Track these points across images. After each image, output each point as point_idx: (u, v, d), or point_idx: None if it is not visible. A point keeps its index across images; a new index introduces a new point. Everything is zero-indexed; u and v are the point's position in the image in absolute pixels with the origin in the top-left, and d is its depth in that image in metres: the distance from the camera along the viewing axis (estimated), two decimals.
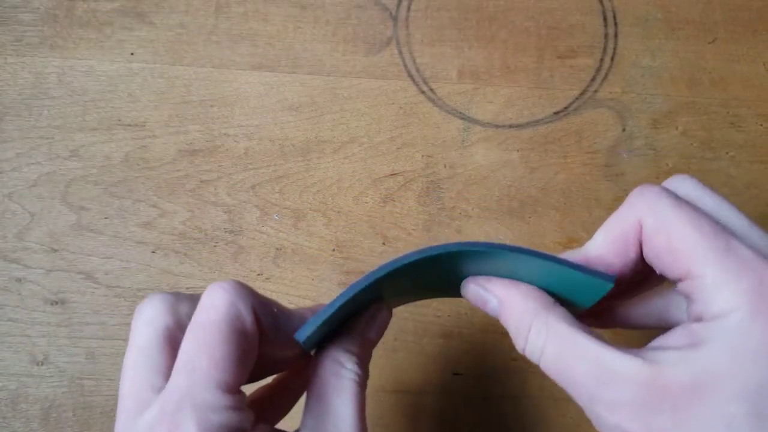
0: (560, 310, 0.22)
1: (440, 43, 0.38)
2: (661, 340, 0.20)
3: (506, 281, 0.23)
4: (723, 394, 0.18)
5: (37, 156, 0.36)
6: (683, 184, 0.22)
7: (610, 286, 0.21)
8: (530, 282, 0.23)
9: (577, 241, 0.36)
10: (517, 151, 0.37)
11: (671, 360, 0.19)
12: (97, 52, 0.37)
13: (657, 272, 0.21)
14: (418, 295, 0.28)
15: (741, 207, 0.37)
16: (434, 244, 0.35)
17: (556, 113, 0.37)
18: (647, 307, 0.24)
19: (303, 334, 0.22)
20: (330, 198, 0.36)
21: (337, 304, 0.22)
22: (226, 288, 0.21)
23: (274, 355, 0.23)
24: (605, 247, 0.22)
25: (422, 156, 0.36)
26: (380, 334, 0.25)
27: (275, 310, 0.22)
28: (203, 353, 0.20)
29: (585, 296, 0.23)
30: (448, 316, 0.35)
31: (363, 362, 0.24)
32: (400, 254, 0.22)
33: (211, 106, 0.37)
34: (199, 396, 0.19)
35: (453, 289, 0.25)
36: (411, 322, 0.35)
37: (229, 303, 0.21)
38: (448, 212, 0.36)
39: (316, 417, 0.22)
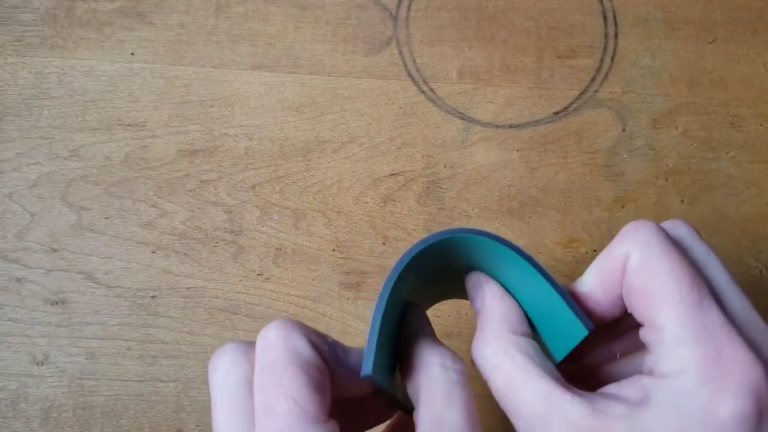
0: (526, 341, 0.22)
1: (440, 43, 0.38)
2: (614, 388, 0.20)
3: (500, 291, 0.23)
4: None
5: (37, 156, 0.36)
6: (677, 229, 0.22)
7: (584, 333, 0.21)
8: (521, 297, 0.23)
9: (577, 241, 0.36)
10: (517, 151, 0.37)
11: (618, 414, 0.19)
12: (97, 52, 0.37)
13: (628, 310, 0.21)
14: (435, 295, 0.28)
15: (741, 207, 0.37)
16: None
17: (556, 113, 0.37)
18: (633, 365, 0.23)
19: (367, 366, 0.21)
20: (330, 198, 0.36)
21: (380, 311, 0.21)
22: (278, 325, 0.21)
23: (347, 392, 0.22)
24: (594, 283, 0.22)
25: (422, 156, 0.37)
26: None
27: (330, 340, 0.22)
28: (280, 393, 0.19)
29: (561, 341, 0.22)
30: (449, 316, 0.35)
31: (455, 355, 0.22)
32: (401, 254, 0.22)
33: (211, 106, 0.37)
34: None
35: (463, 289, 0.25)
36: None
37: (284, 338, 0.20)
38: (449, 212, 0.36)
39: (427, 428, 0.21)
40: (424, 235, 0.36)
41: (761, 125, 0.37)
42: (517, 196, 0.36)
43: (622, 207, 0.36)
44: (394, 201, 0.36)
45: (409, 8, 0.38)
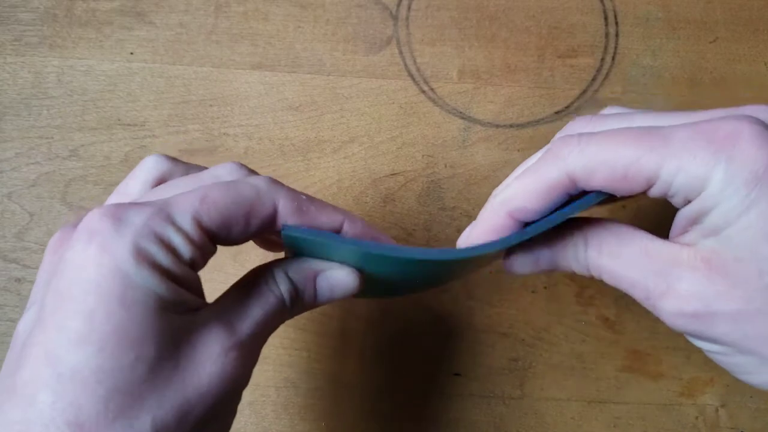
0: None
1: (441, 43, 0.38)
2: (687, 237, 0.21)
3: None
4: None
5: (37, 156, 0.36)
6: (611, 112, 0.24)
7: (603, 195, 0.22)
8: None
9: None
10: (518, 150, 0.37)
11: (709, 243, 0.20)
12: (96, 51, 0.37)
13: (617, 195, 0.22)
14: (394, 290, 0.28)
15: None
16: (435, 244, 0.35)
17: (556, 113, 0.37)
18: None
19: (289, 230, 0.21)
20: (330, 198, 0.36)
21: (327, 240, 0.22)
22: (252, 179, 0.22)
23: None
24: (529, 201, 0.22)
25: (422, 156, 0.36)
26: (332, 293, 0.24)
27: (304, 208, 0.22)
28: (197, 191, 0.20)
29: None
30: (449, 316, 0.35)
31: (297, 297, 0.23)
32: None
33: (211, 105, 0.37)
34: (173, 206, 0.19)
35: (435, 283, 0.25)
36: (411, 323, 0.35)
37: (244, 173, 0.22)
38: (449, 212, 0.36)
39: (228, 301, 0.22)
40: (424, 234, 0.35)
41: None
42: None
43: (623, 207, 0.36)
44: (394, 201, 0.36)
45: (409, 7, 0.38)
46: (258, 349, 0.22)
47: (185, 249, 0.19)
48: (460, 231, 0.36)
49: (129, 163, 0.36)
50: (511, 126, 0.37)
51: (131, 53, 0.37)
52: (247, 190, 0.20)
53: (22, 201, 0.35)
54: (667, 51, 0.38)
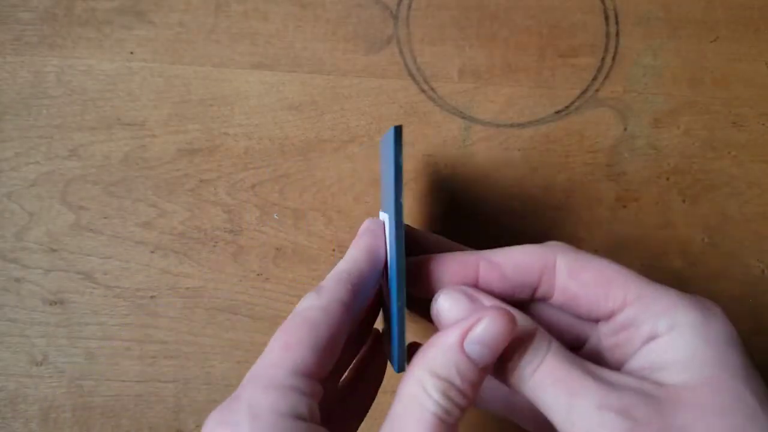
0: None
1: (441, 42, 0.38)
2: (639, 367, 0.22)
3: None
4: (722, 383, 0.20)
5: (36, 155, 0.36)
6: None
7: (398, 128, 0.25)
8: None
9: (579, 241, 0.36)
10: (518, 150, 0.37)
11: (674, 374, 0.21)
12: (96, 51, 0.37)
13: (576, 310, 0.24)
14: None
15: (743, 207, 0.37)
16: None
17: (557, 112, 0.37)
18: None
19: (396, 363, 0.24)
20: (330, 198, 0.36)
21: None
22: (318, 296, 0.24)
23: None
24: (514, 264, 0.25)
25: (423, 155, 0.36)
26: (493, 349, 0.21)
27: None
28: (277, 337, 0.22)
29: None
30: None
31: (454, 393, 0.20)
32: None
33: (211, 105, 0.37)
34: (262, 374, 0.20)
35: None
36: (411, 323, 0.34)
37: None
38: (450, 212, 0.36)
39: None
40: None
41: (763, 124, 0.37)
42: (518, 195, 0.36)
43: (624, 207, 0.36)
44: None
45: (409, 7, 0.38)
46: None
47: (293, 400, 0.21)
48: (460, 230, 0.36)
49: (128, 163, 0.36)
50: (511, 125, 0.37)
51: (131, 53, 0.37)
52: None
53: (22, 201, 0.35)
54: (667, 50, 0.38)
